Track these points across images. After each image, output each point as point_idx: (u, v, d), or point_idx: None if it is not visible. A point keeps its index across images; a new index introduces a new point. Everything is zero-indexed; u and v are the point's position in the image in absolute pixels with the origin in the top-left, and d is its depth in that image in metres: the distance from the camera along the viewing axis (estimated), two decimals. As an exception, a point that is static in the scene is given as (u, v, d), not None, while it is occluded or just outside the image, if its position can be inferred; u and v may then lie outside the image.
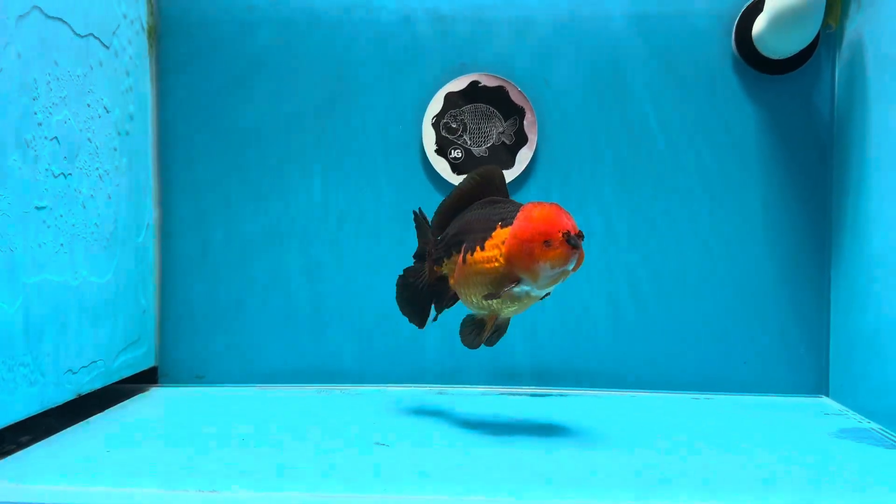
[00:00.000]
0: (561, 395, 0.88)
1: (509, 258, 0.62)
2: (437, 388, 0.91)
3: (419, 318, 0.75)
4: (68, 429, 0.72)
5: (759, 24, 0.85)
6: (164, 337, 0.93)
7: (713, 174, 0.89)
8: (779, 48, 0.85)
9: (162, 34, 0.93)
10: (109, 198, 0.81)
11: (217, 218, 0.93)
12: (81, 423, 0.74)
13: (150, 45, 0.91)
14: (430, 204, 0.91)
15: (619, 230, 0.90)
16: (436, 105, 0.91)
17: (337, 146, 0.92)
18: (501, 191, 0.68)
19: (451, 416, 0.78)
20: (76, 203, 0.73)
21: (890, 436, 0.71)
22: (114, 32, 0.81)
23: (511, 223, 0.62)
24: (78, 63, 0.74)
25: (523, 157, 0.91)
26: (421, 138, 0.91)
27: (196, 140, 0.93)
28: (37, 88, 0.66)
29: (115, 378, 0.82)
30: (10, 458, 0.63)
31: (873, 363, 0.77)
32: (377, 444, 0.67)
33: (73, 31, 0.73)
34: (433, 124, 0.91)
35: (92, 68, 0.76)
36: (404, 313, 0.75)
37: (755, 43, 0.87)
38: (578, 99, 0.91)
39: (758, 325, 0.89)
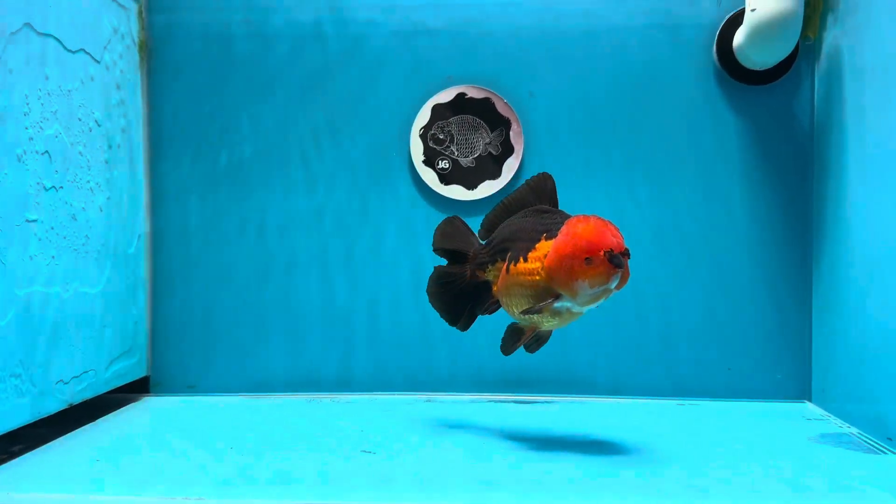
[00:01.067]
0: (547, 403, 0.89)
1: (549, 273, 0.60)
2: (425, 395, 0.92)
3: (450, 316, 0.74)
4: (59, 438, 0.73)
5: (740, 36, 0.87)
6: (155, 347, 0.94)
7: (696, 183, 0.91)
8: (759, 59, 0.87)
9: (153, 48, 0.94)
10: (101, 210, 0.82)
11: (208, 229, 0.94)
12: (73, 432, 0.75)
13: (142, 59, 0.93)
14: (418, 212, 0.93)
15: (604, 239, 0.91)
16: (423, 116, 0.92)
17: (326, 158, 0.94)
18: (552, 199, 0.67)
19: (438, 424, 0.79)
20: (67, 215, 0.74)
21: (868, 440, 0.72)
22: (105, 47, 0.83)
23: (555, 235, 0.61)
24: (69, 78, 0.75)
25: (510, 167, 0.92)
26: (409, 149, 0.93)
27: (187, 152, 0.94)
28: (28, 103, 0.68)
29: (107, 388, 0.83)
30: (1, 467, 0.64)
31: (853, 369, 0.78)
32: (363, 451, 0.68)
33: (63, 46, 0.74)
34: (421, 135, 0.93)
35: (83, 83, 0.78)
36: (436, 308, 0.74)
37: (736, 54, 0.88)
38: (563, 110, 0.92)
39: (741, 332, 0.90)
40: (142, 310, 0.92)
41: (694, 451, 0.69)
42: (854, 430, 0.76)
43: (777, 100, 0.90)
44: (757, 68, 0.88)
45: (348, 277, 0.93)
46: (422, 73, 0.93)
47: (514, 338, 0.68)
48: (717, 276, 0.91)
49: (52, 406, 0.72)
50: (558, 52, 0.92)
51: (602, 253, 0.58)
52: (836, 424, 0.79)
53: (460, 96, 0.92)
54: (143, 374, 0.93)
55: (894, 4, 0.71)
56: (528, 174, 0.92)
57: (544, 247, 0.62)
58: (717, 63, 0.90)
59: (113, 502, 0.56)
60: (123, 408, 0.86)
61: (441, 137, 0.92)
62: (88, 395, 0.79)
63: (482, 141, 0.92)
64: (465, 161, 0.92)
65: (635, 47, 0.91)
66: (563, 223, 0.61)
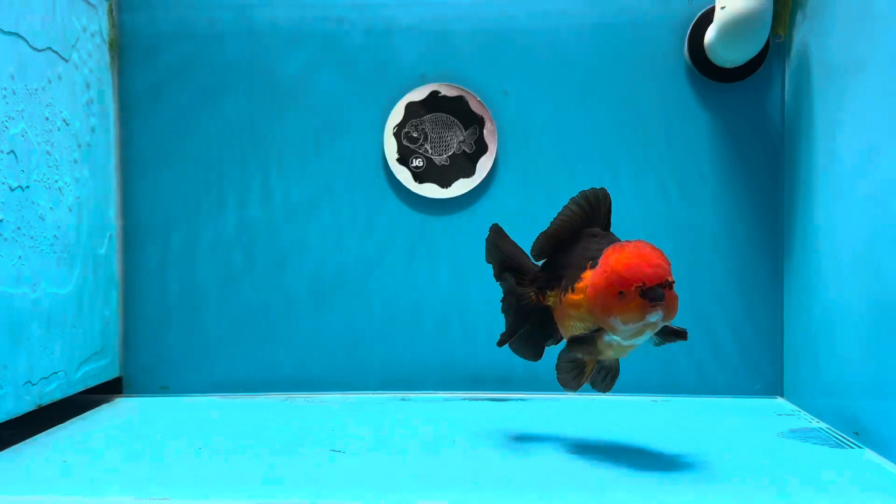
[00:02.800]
0: (521, 400, 0.89)
1: (588, 307, 0.57)
2: (400, 394, 0.92)
3: (534, 354, 0.70)
4: (28, 440, 0.72)
5: (710, 34, 0.87)
6: (128, 347, 0.94)
7: (667, 181, 0.91)
8: (730, 57, 0.87)
9: (124, 47, 0.93)
10: (70, 210, 0.81)
11: (180, 228, 0.93)
12: (41, 434, 0.75)
13: (112, 58, 0.92)
14: (392, 211, 0.93)
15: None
16: (397, 115, 0.92)
17: (299, 156, 0.93)
18: (605, 220, 0.62)
19: (412, 422, 0.78)
20: (34, 215, 0.74)
21: (836, 435, 0.73)
22: (73, 46, 0.82)
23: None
24: (35, 77, 0.74)
25: (483, 165, 0.92)
26: (383, 147, 0.92)
27: (159, 151, 0.93)
28: (-8, 102, 0.67)
29: (78, 389, 0.83)
30: (-34, 469, 0.64)
31: (822, 365, 0.79)
32: (333, 451, 0.68)
33: (29, 45, 0.73)
34: (394, 134, 0.92)
35: (50, 81, 0.77)
36: (509, 324, 0.69)
37: (707, 52, 0.89)
38: (537, 108, 0.92)
39: (714, 329, 0.91)
40: (114, 310, 0.92)
41: (665, 448, 0.69)
42: (823, 424, 0.77)
43: (748, 97, 0.90)
44: (728, 66, 0.88)
45: (322, 277, 0.93)
46: (395, 72, 0.93)
47: (577, 370, 0.62)
48: (688, 273, 0.91)
49: (19, 407, 0.71)
50: (531, 50, 0.92)
51: (633, 287, 0.53)
52: (805, 420, 0.79)
53: (434, 94, 0.92)
54: (115, 375, 0.92)
55: (862, 2, 0.72)
56: (503, 172, 0.92)
57: (587, 277, 0.58)
58: (689, 61, 0.90)
59: (74, 503, 0.56)
60: (95, 409, 0.86)
61: (415, 136, 0.92)
62: (58, 396, 0.78)
63: (456, 139, 0.92)
64: (439, 159, 0.92)
65: (607, 45, 0.91)
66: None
